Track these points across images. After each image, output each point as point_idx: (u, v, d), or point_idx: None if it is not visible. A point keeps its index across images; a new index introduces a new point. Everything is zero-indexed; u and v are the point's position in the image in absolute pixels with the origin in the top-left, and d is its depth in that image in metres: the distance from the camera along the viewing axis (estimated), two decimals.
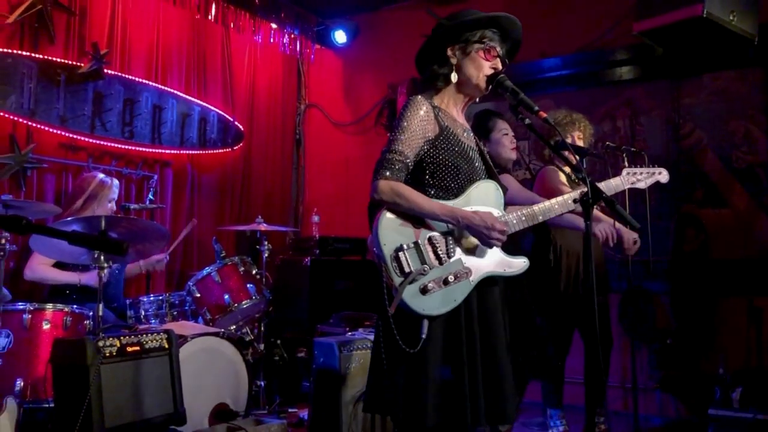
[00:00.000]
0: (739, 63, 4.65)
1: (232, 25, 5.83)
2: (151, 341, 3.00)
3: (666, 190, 4.91)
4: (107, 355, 2.79)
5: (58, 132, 4.57)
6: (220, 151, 5.80)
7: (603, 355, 3.83)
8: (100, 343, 2.77)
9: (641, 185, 2.91)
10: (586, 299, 3.72)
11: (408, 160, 2.27)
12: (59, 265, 3.97)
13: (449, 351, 2.21)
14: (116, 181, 4.17)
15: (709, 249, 4.76)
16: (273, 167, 6.45)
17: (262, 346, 4.33)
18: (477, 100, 2.50)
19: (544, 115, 2.20)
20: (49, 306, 3.46)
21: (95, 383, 2.67)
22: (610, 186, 2.71)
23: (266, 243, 4.45)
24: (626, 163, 3.73)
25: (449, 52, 2.39)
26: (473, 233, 2.23)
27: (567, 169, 3.83)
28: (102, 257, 3.33)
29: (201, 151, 5.61)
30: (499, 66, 2.38)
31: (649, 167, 3.02)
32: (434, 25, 2.43)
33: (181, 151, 5.44)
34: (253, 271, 4.20)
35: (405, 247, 2.18)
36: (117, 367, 2.85)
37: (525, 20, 5.65)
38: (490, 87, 2.38)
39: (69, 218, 3.45)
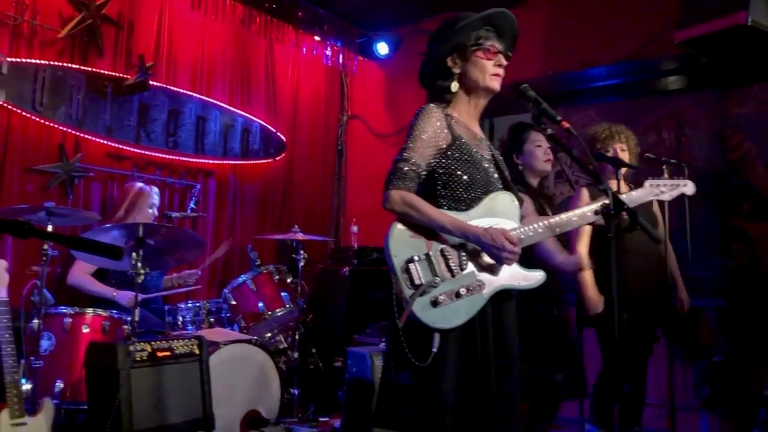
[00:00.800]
0: None
1: (275, 38, 5.94)
2: (182, 347, 3.06)
3: (713, 203, 4.77)
4: (138, 359, 2.86)
5: (105, 142, 4.72)
6: (262, 161, 5.89)
7: (639, 371, 3.74)
8: (131, 348, 2.84)
9: (665, 197, 2.86)
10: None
11: (420, 170, 2.25)
12: (100, 275, 4.09)
13: (465, 366, 2.18)
14: (155, 189, 4.28)
15: (758, 264, 4.59)
16: (314, 177, 6.52)
17: (296, 355, 4.35)
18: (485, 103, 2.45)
19: (567, 125, 2.17)
20: (89, 310, 3.56)
21: (125, 387, 2.73)
22: (631, 198, 2.65)
23: (302, 252, 4.49)
24: (666, 175, 3.63)
25: (450, 63, 2.36)
26: (484, 250, 2.20)
27: (612, 183, 3.77)
28: (139, 264, 3.42)
29: (243, 162, 5.72)
30: (503, 62, 2.34)
31: (673, 179, 2.96)
32: (428, 40, 2.42)
33: (224, 161, 5.55)
34: (288, 280, 4.24)
35: (416, 258, 2.15)
36: (147, 372, 2.91)
37: (568, 29, 5.61)
38: (518, 96, 2.34)
39: (108, 225, 3.55)
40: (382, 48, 6.45)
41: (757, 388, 4.02)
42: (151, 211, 4.14)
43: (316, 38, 6.28)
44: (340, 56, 6.54)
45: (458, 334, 2.17)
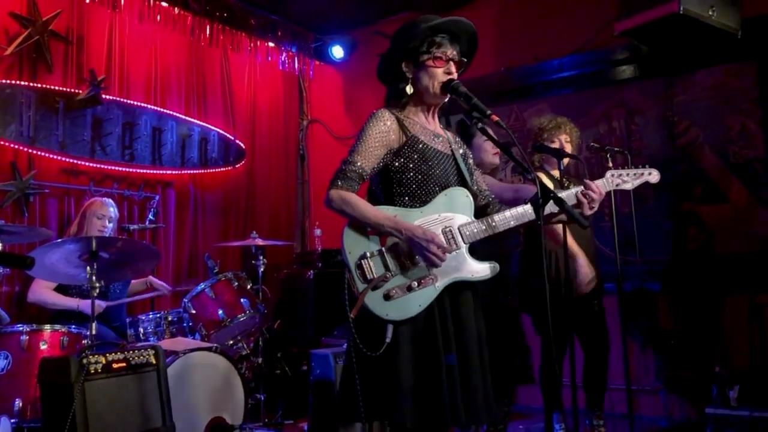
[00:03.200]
0: (731, 57, 4.60)
1: (229, 46, 5.94)
2: (138, 357, 3.07)
3: (664, 189, 4.87)
4: (92, 372, 2.86)
5: (59, 158, 4.70)
6: (222, 169, 5.89)
7: (600, 357, 3.82)
8: (85, 361, 2.84)
9: (627, 186, 2.84)
10: (582, 302, 3.73)
11: (362, 171, 2.33)
12: (61, 289, 4.08)
13: (425, 353, 2.25)
14: (109, 200, 4.27)
15: (712, 246, 4.71)
16: (277, 183, 6.53)
17: (260, 360, 4.37)
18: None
19: (496, 118, 2.22)
20: (47, 327, 3.54)
21: (79, 400, 2.73)
22: None
23: (261, 257, 4.50)
24: (611, 164, 3.71)
25: (404, 67, 2.44)
26: (413, 246, 2.24)
27: (555, 172, 3.85)
28: (94, 277, 3.43)
29: (203, 171, 5.72)
30: (452, 69, 2.40)
31: (638, 167, 2.98)
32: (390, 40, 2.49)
33: (183, 171, 5.55)
34: (248, 286, 4.25)
35: (368, 255, 2.25)
36: (103, 384, 2.91)
37: (520, 24, 5.68)
38: (447, 93, 2.40)
39: (59, 240, 3.54)
40: (338, 51, 6.49)
41: (710, 365, 4.13)
42: (100, 221, 4.12)
43: (271, 44, 6.30)
44: (296, 61, 6.56)
45: (414, 323, 2.24)
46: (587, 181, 2.44)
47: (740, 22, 3.85)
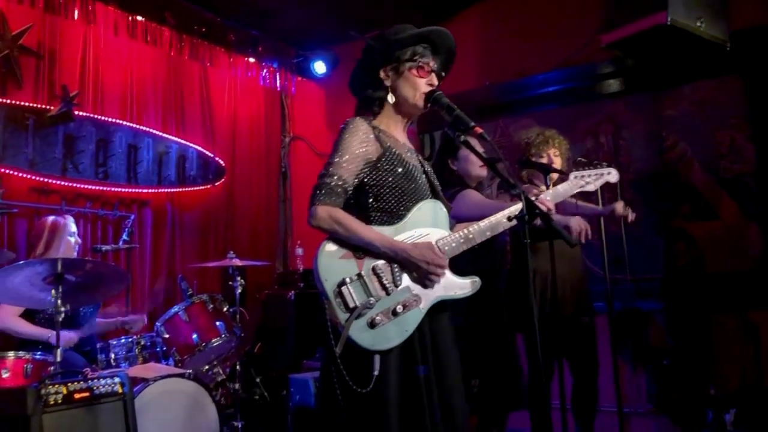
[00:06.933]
0: (716, 71, 4.52)
1: (208, 62, 5.81)
2: (102, 387, 2.88)
3: (653, 206, 4.77)
4: (51, 403, 2.67)
5: (29, 176, 4.53)
6: (201, 187, 5.73)
7: (590, 380, 3.67)
8: (43, 391, 2.66)
9: (590, 188, 2.90)
10: (571, 322, 3.58)
11: (347, 185, 2.16)
12: (28, 315, 3.88)
13: (408, 384, 2.09)
14: (69, 218, 4.07)
15: (702, 263, 4.59)
16: (258, 201, 6.37)
17: (237, 386, 4.18)
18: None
19: (480, 130, 2.10)
20: (10, 354, 3.35)
21: None
22: (558, 192, 2.66)
23: (239, 278, 4.33)
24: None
25: (382, 74, 2.31)
26: (412, 267, 2.12)
27: (544, 188, 3.74)
28: (59, 301, 3.25)
29: (180, 189, 5.55)
30: (435, 81, 2.28)
31: (597, 168, 3.03)
32: (364, 48, 2.35)
33: (160, 190, 5.38)
34: (224, 309, 4.07)
35: (348, 280, 2.07)
36: (63, 416, 2.72)
37: (503, 39, 5.57)
38: (429, 105, 2.27)
39: (22, 261, 3.36)
40: (320, 67, 6.37)
41: (704, 387, 3.99)
42: (72, 239, 3.93)
43: (251, 60, 6.17)
44: (278, 77, 6.43)
45: (398, 354, 2.09)
46: (541, 197, 2.36)
47: (728, 34, 3.76)
